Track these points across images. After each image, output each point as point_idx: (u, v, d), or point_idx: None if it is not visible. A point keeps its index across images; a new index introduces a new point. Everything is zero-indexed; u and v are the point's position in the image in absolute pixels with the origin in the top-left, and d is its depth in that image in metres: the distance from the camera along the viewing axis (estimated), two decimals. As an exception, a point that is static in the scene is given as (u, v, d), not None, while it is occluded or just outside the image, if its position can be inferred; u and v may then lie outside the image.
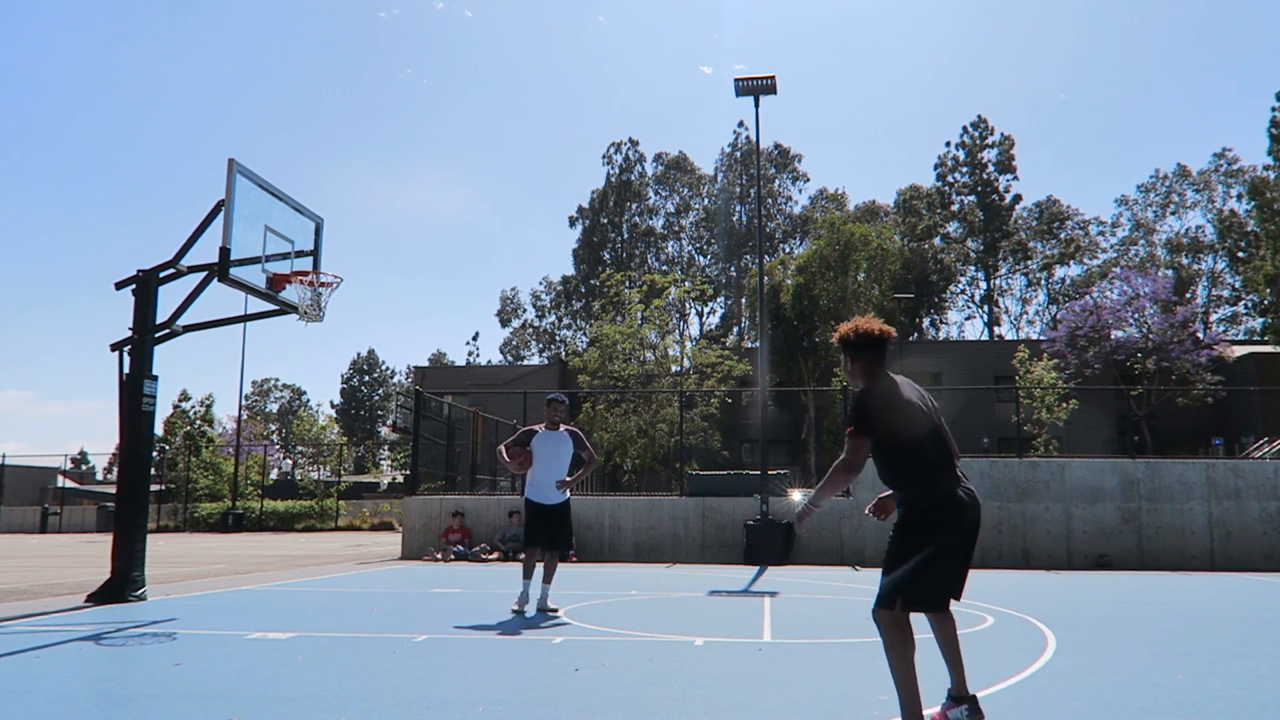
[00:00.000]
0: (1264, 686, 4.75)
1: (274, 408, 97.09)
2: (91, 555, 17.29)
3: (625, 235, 65.48)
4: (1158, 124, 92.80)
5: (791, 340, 39.09)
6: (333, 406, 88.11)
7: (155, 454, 30.42)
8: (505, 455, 8.00)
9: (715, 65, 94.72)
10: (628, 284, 38.57)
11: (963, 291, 61.83)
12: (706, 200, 66.09)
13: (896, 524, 3.74)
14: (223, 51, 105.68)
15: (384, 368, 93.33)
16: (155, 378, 9.03)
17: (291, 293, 9.52)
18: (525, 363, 68.54)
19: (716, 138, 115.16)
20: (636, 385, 30.13)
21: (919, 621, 3.61)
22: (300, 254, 9.77)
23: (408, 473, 25.00)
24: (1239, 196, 52.97)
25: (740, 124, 64.88)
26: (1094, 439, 33.71)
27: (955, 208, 59.96)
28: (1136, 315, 34.32)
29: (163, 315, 9.05)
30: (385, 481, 60.79)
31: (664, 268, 61.81)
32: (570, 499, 8.18)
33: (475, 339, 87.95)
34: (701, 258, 66.12)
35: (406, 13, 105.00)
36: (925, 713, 3.62)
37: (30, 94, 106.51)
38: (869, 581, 11.29)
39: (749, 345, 48.42)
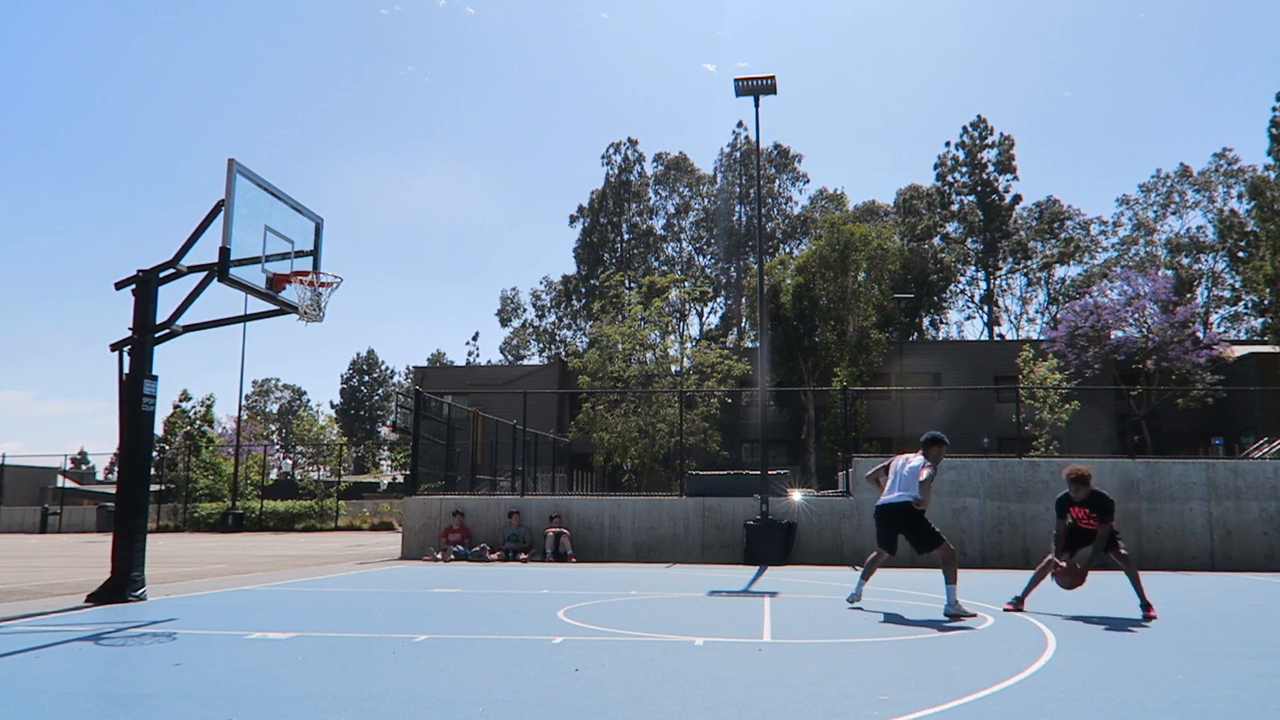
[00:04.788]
0: (1264, 686, 4.75)
1: (274, 408, 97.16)
2: (91, 555, 17.29)
3: (625, 235, 65.48)
4: (1158, 124, 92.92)
5: (791, 340, 39.10)
6: (333, 406, 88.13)
7: (155, 454, 30.42)
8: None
9: (717, 63, 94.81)
10: (628, 284, 38.56)
11: (963, 291, 61.85)
12: (706, 200, 66.07)
13: None
14: (224, 50, 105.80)
15: (384, 368, 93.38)
16: (155, 378, 9.03)
17: (291, 293, 9.51)
18: (525, 363, 68.59)
19: (716, 137, 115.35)
20: (636, 386, 30.12)
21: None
22: (300, 254, 9.76)
23: (408, 473, 24.99)
24: (1239, 196, 52.99)
25: (740, 124, 64.96)
26: (1094, 439, 33.73)
27: (955, 208, 59.94)
28: (1136, 315, 34.33)
29: (163, 315, 9.04)
30: (385, 481, 60.87)
31: (664, 268, 61.82)
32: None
33: (475, 339, 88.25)
34: (701, 258, 66.10)
35: (408, 10, 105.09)
36: None
37: (31, 94, 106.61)
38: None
39: (749, 345, 48.43)
